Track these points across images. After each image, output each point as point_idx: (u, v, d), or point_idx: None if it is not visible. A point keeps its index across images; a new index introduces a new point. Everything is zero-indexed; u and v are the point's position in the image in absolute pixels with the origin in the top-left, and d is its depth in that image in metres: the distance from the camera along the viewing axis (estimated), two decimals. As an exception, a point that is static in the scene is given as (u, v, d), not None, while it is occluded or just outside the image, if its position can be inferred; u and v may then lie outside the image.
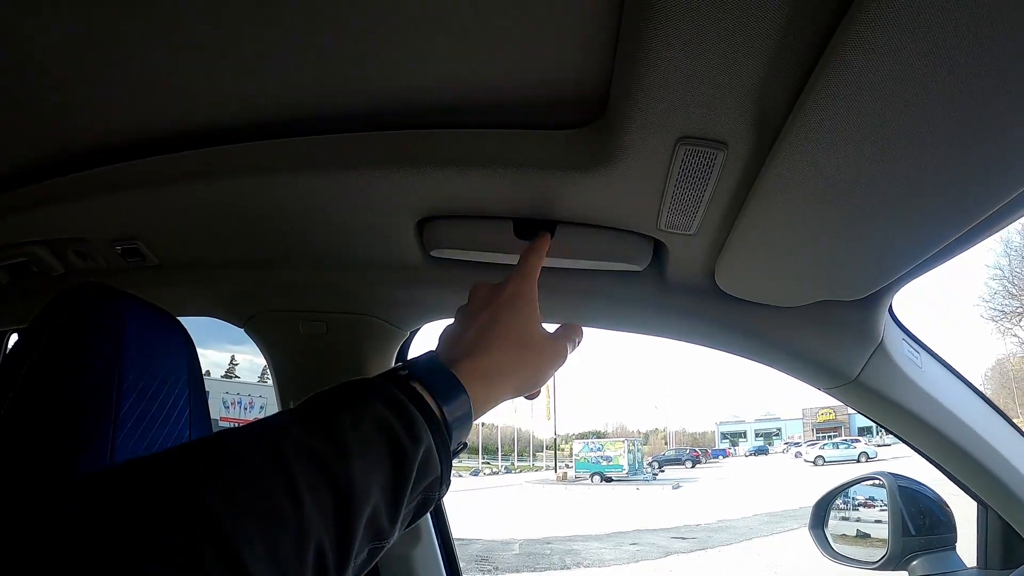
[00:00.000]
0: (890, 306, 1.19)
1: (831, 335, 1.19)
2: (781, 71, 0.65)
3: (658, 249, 1.09)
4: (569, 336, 0.86)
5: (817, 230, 0.87)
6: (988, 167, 0.68)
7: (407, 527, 0.62)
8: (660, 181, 0.87)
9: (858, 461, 28.07)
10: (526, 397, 0.84)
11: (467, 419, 0.67)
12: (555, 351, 0.82)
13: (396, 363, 1.46)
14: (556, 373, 0.85)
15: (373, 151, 0.96)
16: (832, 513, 1.71)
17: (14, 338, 1.96)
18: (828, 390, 1.29)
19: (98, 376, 0.78)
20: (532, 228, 1.04)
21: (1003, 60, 0.54)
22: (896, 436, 1.36)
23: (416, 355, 0.73)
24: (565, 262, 1.10)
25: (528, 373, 0.78)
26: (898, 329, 1.26)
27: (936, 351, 1.33)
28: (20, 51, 0.85)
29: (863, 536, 1.65)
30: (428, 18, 0.75)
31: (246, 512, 0.46)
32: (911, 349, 1.27)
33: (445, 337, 0.80)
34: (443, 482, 0.63)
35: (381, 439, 0.56)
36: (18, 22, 0.79)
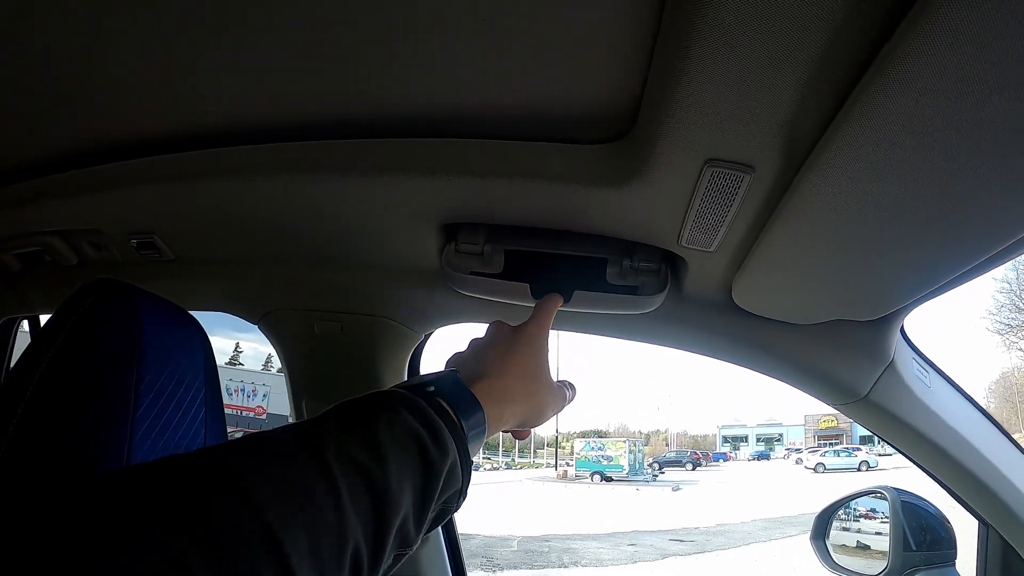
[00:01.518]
0: (902, 325, 1.20)
1: (843, 353, 1.20)
2: (813, 101, 0.66)
3: (676, 263, 1.09)
4: (568, 387, 0.92)
5: (837, 253, 0.88)
6: (1007, 200, 0.69)
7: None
8: (684, 200, 0.88)
9: (858, 470, 27.97)
10: (514, 436, 0.90)
11: (481, 436, 0.71)
12: (558, 394, 0.88)
13: (410, 366, 1.49)
14: (555, 416, 0.90)
15: (398, 157, 0.97)
16: (834, 524, 1.72)
17: (24, 325, 1.97)
18: (837, 407, 1.30)
19: (116, 376, 0.78)
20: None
21: None
22: (902, 454, 1.37)
23: (435, 372, 0.76)
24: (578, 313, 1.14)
25: (535, 404, 0.82)
26: (909, 348, 1.26)
27: (945, 371, 1.34)
28: (45, 45, 0.85)
29: (863, 547, 1.66)
30: (460, 27, 0.75)
31: (292, 510, 0.47)
32: (920, 368, 1.27)
33: (455, 361, 0.83)
34: (462, 494, 0.66)
35: (413, 448, 0.58)
36: (42, 17, 0.80)
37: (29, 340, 1.31)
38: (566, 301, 1.06)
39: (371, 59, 0.83)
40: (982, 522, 1.47)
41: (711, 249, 0.99)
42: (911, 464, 1.40)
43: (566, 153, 0.91)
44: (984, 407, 1.42)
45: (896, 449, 1.37)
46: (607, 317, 1.27)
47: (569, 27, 0.73)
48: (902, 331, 1.22)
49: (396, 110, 0.93)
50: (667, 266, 1.10)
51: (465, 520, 15.53)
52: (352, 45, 0.81)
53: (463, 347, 0.87)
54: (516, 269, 1.12)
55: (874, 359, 1.19)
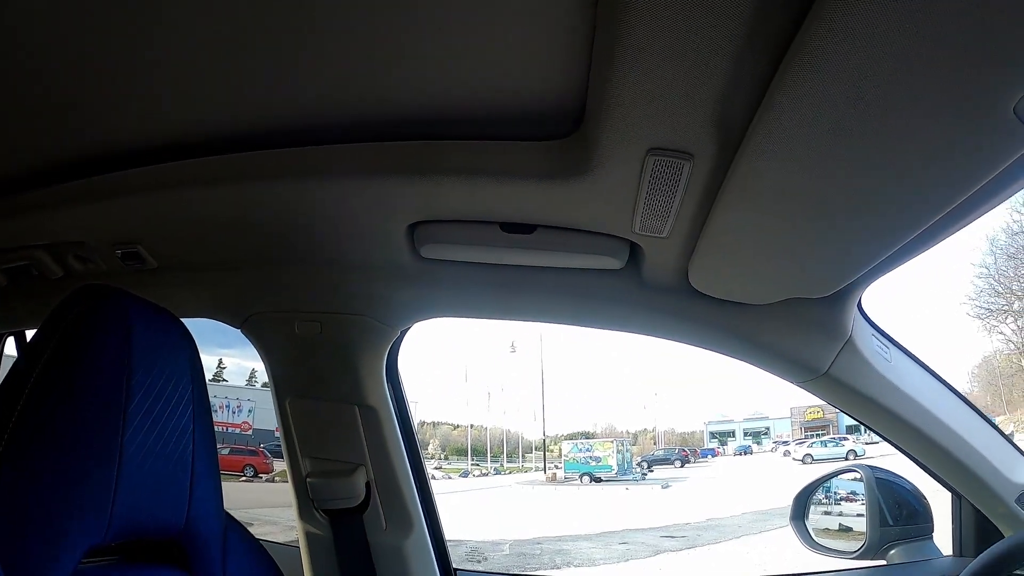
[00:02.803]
0: (859, 303, 1.24)
1: (801, 331, 1.24)
2: (740, 89, 0.72)
3: (634, 250, 1.14)
4: None
5: (780, 232, 0.94)
6: (934, 175, 0.74)
7: None
8: (633, 189, 0.94)
9: (846, 459, 27.96)
10: None
11: None
12: None
13: (387, 362, 1.53)
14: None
15: (365, 160, 1.02)
16: (815, 508, 1.74)
17: (10, 341, 1.97)
18: (800, 384, 1.34)
19: (108, 374, 0.82)
20: (516, 226, 1.11)
21: (943, 71, 0.59)
22: (869, 428, 1.41)
23: None
24: (546, 260, 1.15)
25: None
26: (867, 325, 1.31)
27: (906, 346, 1.38)
28: (29, 59, 0.89)
29: (845, 529, 1.68)
30: (417, 38, 0.81)
31: None
32: (880, 344, 1.31)
33: None
34: None
35: None
36: (28, 31, 0.83)
37: (13, 359, 1.32)
38: (529, 232, 1.10)
39: (336, 70, 0.89)
40: (954, 493, 1.51)
41: (664, 235, 1.04)
42: (897, 451, 1.44)
43: (521, 150, 0.97)
44: (968, 391, 1.46)
45: (861, 423, 1.41)
46: (572, 305, 1.31)
47: (515, 32, 0.79)
48: (860, 309, 1.27)
49: (362, 116, 0.98)
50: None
51: (455, 526, 15.46)
52: (319, 58, 0.86)
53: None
54: None
55: (832, 336, 1.24)
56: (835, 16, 0.55)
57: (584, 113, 0.88)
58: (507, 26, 0.79)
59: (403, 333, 1.53)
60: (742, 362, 1.36)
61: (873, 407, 1.32)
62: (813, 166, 0.76)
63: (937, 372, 1.41)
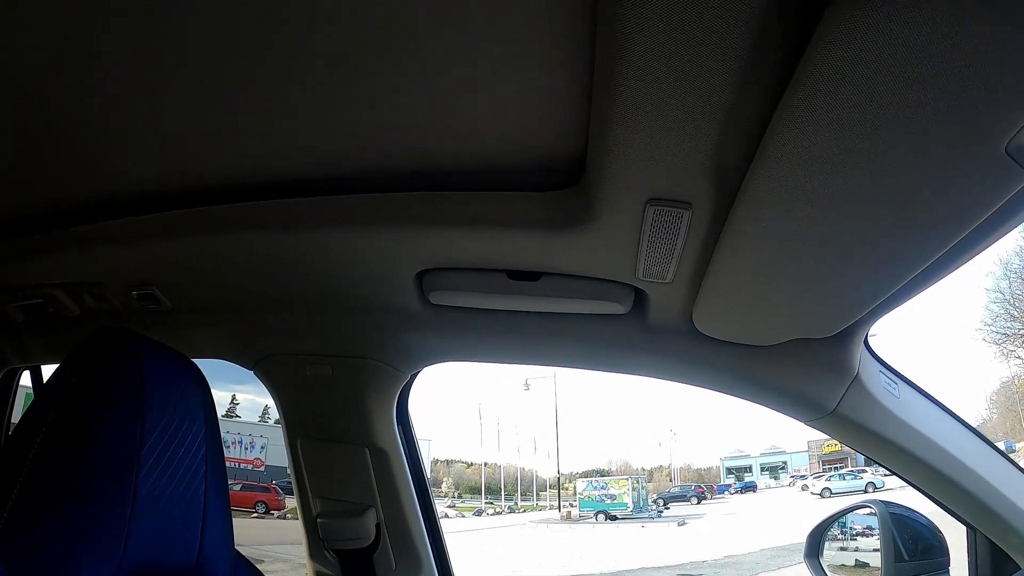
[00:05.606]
0: (866, 340, 1.24)
1: (807, 371, 1.25)
2: (735, 139, 0.74)
3: (639, 295, 1.16)
4: None
5: (781, 276, 0.95)
6: (930, 215, 0.76)
7: None
8: (634, 237, 0.96)
9: (865, 491, 27.51)
10: None
11: None
12: None
13: (397, 405, 1.54)
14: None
15: (374, 211, 1.05)
16: (830, 544, 1.72)
17: (25, 375, 2.00)
18: (808, 422, 1.34)
19: (123, 416, 0.84)
20: (522, 274, 1.13)
21: (935, 113, 0.61)
22: (880, 464, 1.40)
23: None
24: (552, 306, 1.17)
25: None
26: (875, 362, 1.31)
27: (915, 381, 1.37)
28: (51, 106, 0.93)
29: (861, 565, 1.66)
30: (425, 94, 0.85)
31: None
32: (888, 380, 1.31)
33: None
34: None
35: None
36: (49, 78, 0.87)
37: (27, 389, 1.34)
38: (535, 280, 1.13)
39: (350, 123, 0.93)
40: (968, 526, 1.49)
41: (667, 280, 1.06)
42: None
43: (525, 201, 1.00)
44: (987, 417, 1.44)
45: (873, 460, 1.40)
46: (579, 349, 1.33)
47: (517, 88, 0.83)
48: (867, 345, 1.27)
49: (371, 168, 1.02)
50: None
51: (469, 566, 15.28)
52: (333, 111, 0.90)
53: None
54: None
55: (839, 374, 1.24)
56: (826, 63, 0.57)
57: (585, 165, 0.91)
58: (510, 82, 0.82)
59: (413, 377, 1.55)
60: (750, 402, 1.35)
61: (883, 443, 1.31)
62: (810, 210, 0.77)
63: (947, 406, 1.40)
